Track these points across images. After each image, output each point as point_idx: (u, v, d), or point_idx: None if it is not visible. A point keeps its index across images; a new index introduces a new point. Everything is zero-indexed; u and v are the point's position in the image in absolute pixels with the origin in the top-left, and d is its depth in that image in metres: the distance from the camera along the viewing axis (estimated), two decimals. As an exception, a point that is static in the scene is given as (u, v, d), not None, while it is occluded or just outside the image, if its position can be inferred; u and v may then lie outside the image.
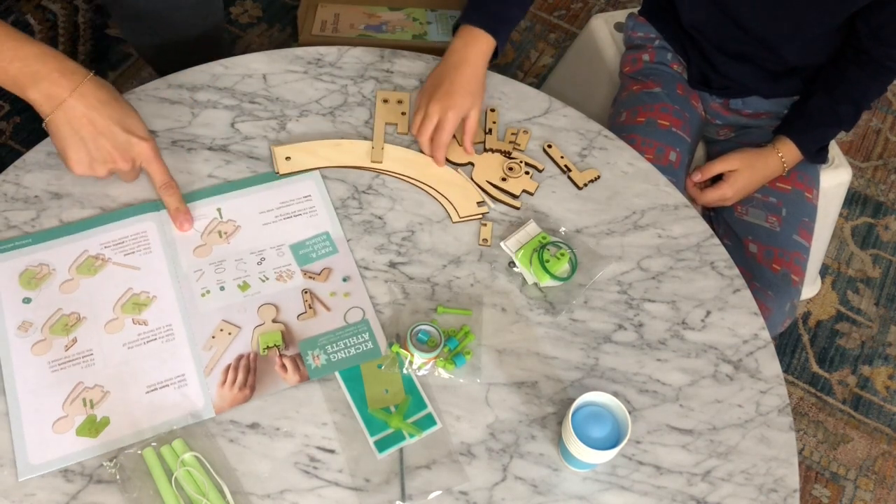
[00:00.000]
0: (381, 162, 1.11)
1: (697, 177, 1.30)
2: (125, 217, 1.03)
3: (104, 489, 0.85)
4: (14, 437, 0.87)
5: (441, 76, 1.11)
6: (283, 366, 0.93)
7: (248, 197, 1.07)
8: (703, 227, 1.10)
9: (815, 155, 1.30)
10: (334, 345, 0.95)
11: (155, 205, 1.05)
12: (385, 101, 1.17)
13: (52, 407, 0.90)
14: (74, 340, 0.94)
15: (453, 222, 1.07)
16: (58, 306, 0.96)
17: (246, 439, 0.89)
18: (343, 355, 0.95)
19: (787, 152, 1.28)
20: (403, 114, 1.16)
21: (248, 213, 1.05)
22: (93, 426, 0.89)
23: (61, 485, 0.85)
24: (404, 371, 0.94)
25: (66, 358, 0.93)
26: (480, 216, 1.07)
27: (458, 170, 1.11)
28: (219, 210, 1.05)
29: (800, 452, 1.67)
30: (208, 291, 0.98)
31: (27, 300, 0.96)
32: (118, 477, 0.85)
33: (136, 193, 1.05)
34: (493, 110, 1.18)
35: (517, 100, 1.20)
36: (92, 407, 0.90)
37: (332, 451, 0.89)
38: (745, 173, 1.27)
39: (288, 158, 1.10)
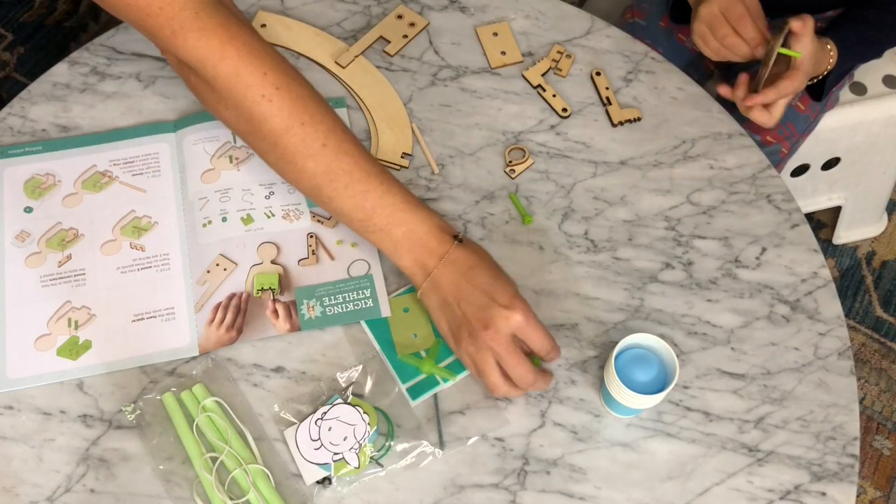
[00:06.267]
0: (344, 67, 1.11)
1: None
2: (140, 136, 1.04)
3: (124, 435, 0.87)
4: None
5: None
6: (276, 311, 0.94)
7: (266, 126, 1.06)
8: (758, 158, 1.08)
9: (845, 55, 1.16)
10: (332, 297, 0.95)
11: (170, 125, 1.05)
12: (399, 16, 1.16)
13: (37, 323, 0.92)
14: (69, 257, 0.96)
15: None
16: (58, 220, 0.99)
17: (270, 383, 0.91)
18: (340, 310, 0.94)
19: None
20: (405, 36, 1.14)
21: (265, 143, 1.05)
22: (74, 348, 0.91)
23: (81, 430, 0.88)
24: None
25: (59, 274, 0.95)
26: (397, 167, 1.05)
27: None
28: (233, 134, 1.05)
29: (860, 402, 1.67)
30: (210, 222, 0.99)
31: (28, 209, 0.99)
32: (138, 423, 0.87)
33: (154, 114, 1.06)
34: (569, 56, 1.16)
35: (556, 19, 1.18)
36: (76, 328, 0.92)
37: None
38: (808, 61, 1.09)
39: (263, 26, 1.13)
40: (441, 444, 0.88)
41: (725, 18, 1.08)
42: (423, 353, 0.93)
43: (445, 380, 0.91)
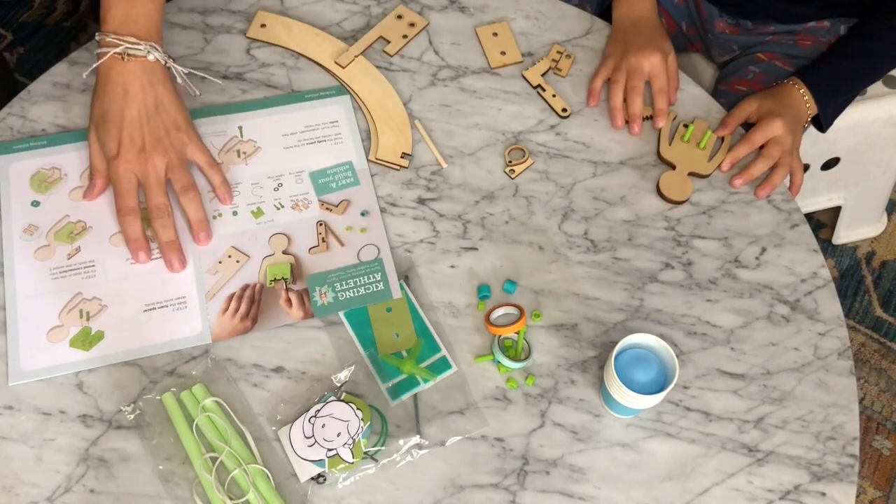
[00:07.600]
0: (344, 67, 1.11)
1: (735, 175, 1.07)
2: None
3: (124, 435, 0.87)
4: (9, 341, 0.91)
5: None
6: (289, 300, 0.95)
7: (272, 117, 1.07)
8: (758, 158, 1.08)
9: (827, 100, 1.15)
10: (344, 283, 0.96)
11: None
12: (399, 16, 1.16)
13: (48, 315, 0.93)
14: (78, 249, 0.96)
15: (367, 159, 1.05)
16: (65, 213, 0.99)
17: (270, 383, 0.91)
18: (351, 294, 0.95)
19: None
20: (405, 36, 1.14)
21: (271, 134, 1.06)
22: (87, 339, 0.91)
23: (80, 430, 0.88)
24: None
25: (68, 266, 0.95)
26: (397, 167, 1.05)
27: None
28: (240, 128, 1.06)
29: (860, 402, 1.67)
30: (220, 214, 1.00)
31: (35, 203, 0.99)
32: (137, 423, 0.87)
33: (148, 126, 1.05)
34: (568, 56, 1.16)
35: (555, 19, 1.18)
36: (88, 319, 0.92)
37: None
38: (788, 137, 1.09)
39: (263, 25, 1.14)
40: (420, 446, 0.88)
41: (627, 76, 1.10)
42: (404, 353, 0.93)
43: (426, 380, 0.91)
